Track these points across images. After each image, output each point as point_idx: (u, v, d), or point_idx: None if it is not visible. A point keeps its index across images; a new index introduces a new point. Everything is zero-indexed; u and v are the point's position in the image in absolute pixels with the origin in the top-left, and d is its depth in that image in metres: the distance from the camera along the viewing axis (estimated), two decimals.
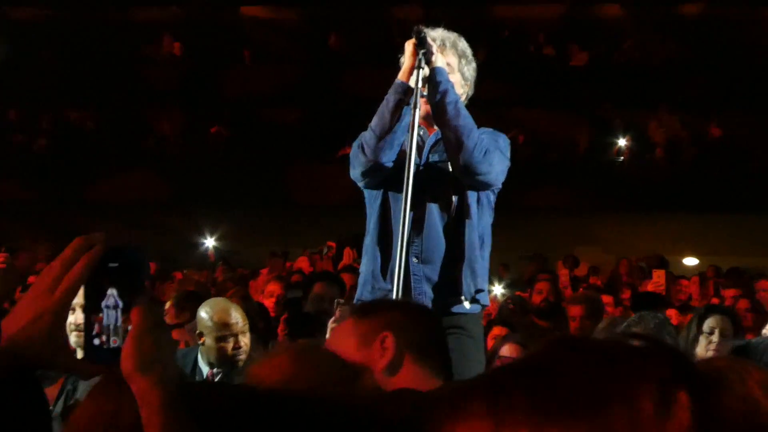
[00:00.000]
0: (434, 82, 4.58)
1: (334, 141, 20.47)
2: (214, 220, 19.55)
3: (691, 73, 21.17)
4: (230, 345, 5.86)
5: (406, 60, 4.62)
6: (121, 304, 1.81)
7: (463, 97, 4.81)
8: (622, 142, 20.54)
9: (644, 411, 1.06)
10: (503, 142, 4.79)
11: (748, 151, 19.72)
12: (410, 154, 4.43)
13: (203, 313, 5.96)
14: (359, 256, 7.75)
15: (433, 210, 4.68)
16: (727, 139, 20.23)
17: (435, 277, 4.66)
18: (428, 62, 4.56)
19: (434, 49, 4.59)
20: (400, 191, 4.51)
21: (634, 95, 20.58)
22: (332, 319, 6.18)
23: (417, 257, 4.66)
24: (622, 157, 20.64)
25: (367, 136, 4.67)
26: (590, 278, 14.55)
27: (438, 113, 4.60)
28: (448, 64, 4.74)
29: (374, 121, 4.66)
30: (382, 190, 4.76)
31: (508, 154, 4.78)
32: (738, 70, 20.87)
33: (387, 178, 4.70)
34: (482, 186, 4.68)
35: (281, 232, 19.93)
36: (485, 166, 4.57)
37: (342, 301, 6.40)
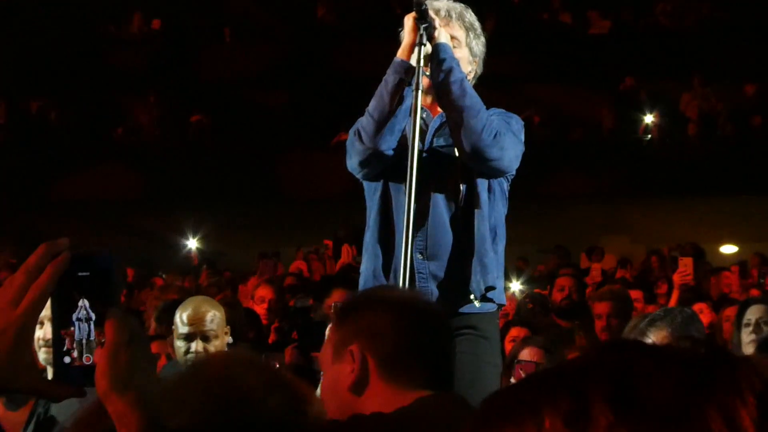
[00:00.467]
0: (437, 59, 4.58)
1: (327, 126, 20.46)
2: (196, 218, 19.53)
3: (728, 37, 21.11)
4: (193, 347, 5.60)
5: (405, 36, 4.61)
6: (93, 316, 1.81)
7: (471, 76, 4.82)
8: (649, 118, 20.52)
9: (745, 429, 1.05)
10: (516, 123, 4.79)
11: None
12: (413, 140, 4.43)
13: (177, 311, 5.80)
14: (359, 253, 7.75)
15: (439, 200, 4.68)
16: None
17: (442, 275, 4.66)
18: (430, 38, 4.56)
19: (437, 23, 4.60)
20: (402, 181, 4.52)
21: (663, 65, 20.57)
22: (330, 326, 6.18)
23: (422, 253, 4.65)
24: (650, 136, 20.62)
25: (364, 122, 4.66)
26: (618, 271, 14.55)
27: (441, 93, 4.61)
28: (455, 38, 4.75)
29: (372, 105, 4.65)
30: (382, 181, 4.76)
31: (522, 137, 4.78)
32: None
33: (387, 168, 4.71)
34: (494, 173, 4.69)
35: (271, 230, 19.93)
36: (496, 150, 4.57)
37: (340, 305, 6.39)
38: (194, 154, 21.25)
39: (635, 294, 9.34)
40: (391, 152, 4.64)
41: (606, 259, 16.49)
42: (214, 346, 5.67)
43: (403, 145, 4.61)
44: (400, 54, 4.61)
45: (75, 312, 1.81)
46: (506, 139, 4.61)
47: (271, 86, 22.24)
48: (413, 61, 4.55)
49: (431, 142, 4.76)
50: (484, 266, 4.65)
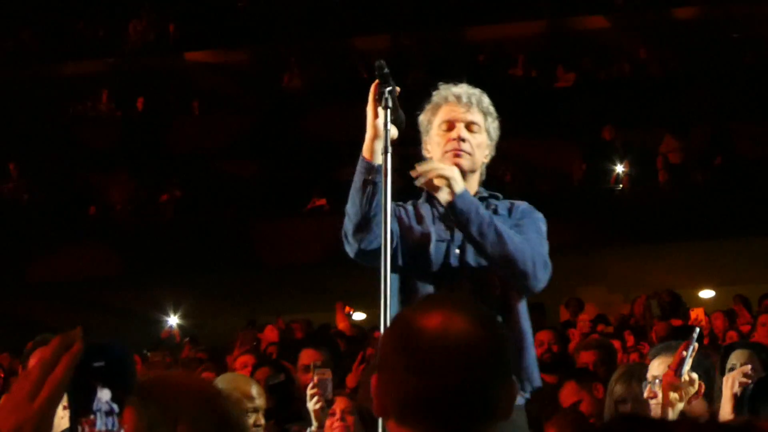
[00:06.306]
0: (460, 213, 4.52)
1: (300, 192, 20.49)
2: (175, 293, 19.45)
3: (693, 83, 21.26)
4: (252, 420, 5.81)
5: (368, 117, 4.54)
6: (117, 409, 1.81)
7: (488, 159, 4.85)
8: (619, 168, 20.58)
9: None
10: (543, 225, 4.83)
11: (763, 165, 19.72)
12: (385, 205, 4.38)
13: (220, 386, 5.93)
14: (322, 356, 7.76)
15: (476, 292, 4.60)
16: (738, 155, 20.28)
17: None
18: (395, 103, 4.52)
19: (396, 90, 4.55)
20: (426, 272, 4.55)
21: (630, 115, 20.66)
22: (310, 384, 6.17)
23: None
24: (621, 185, 20.68)
25: (345, 222, 4.59)
26: (598, 326, 14.62)
27: (479, 249, 4.55)
28: (476, 123, 4.75)
29: (348, 205, 4.58)
30: (401, 272, 4.65)
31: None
32: (746, 76, 20.99)
33: (407, 258, 4.65)
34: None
35: (250, 298, 19.87)
36: (546, 277, 4.63)
37: (319, 364, 6.37)
38: (169, 229, 21.18)
39: (615, 344, 9.39)
40: (378, 240, 4.48)
41: (586, 309, 16.49)
42: (262, 422, 6.03)
43: (423, 236, 4.63)
44: (365, 151, 4.54)
45: (94, 401, 1.81)
46: (547, 256, 4.66)
47: (242, 156, 22.26)
48: (379, 151, 4.52)
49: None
50: (527, 369, 4.64)
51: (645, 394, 5.48)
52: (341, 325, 14.12)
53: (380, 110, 4.48)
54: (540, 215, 4.86)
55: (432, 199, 4.74)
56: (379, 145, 4.49)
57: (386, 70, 4.49)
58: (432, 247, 4.59)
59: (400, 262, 4.64)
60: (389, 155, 4.43)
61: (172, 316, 19.70)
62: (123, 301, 20.65)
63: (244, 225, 21.01)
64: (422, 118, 4.80)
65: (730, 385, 5.45)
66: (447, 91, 4.77)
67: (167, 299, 19.55)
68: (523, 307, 4.67)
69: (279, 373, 9.15)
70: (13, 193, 22.72)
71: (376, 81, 4.50)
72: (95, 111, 24.53)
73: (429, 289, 4.52)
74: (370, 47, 21.98)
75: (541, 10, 23.61)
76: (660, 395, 5.34)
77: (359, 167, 4.55)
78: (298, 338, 14.64)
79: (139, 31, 25.17)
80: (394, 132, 4.53)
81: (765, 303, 14.19)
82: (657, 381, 5.46)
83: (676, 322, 13.10)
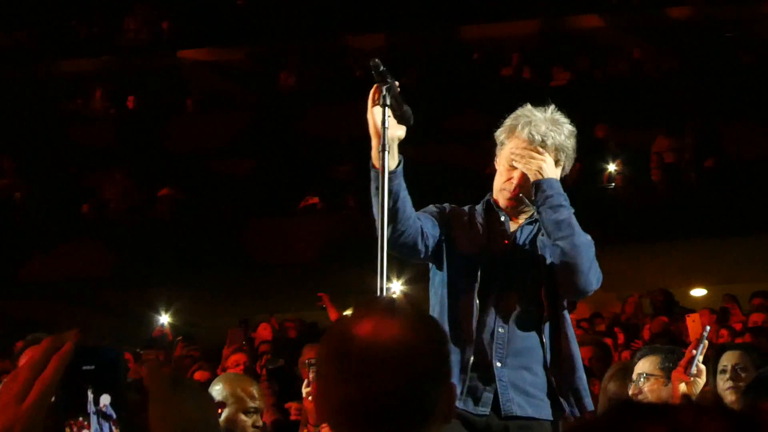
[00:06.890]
0: (543, 195, 4.62)
1: (295, 191, 20.45)
2: (168, 292, 19.41)
3: (688, 83, 21.27)
4: (251, 420, 5.81)
5: (370, 124, 4.48)
6: (114, 415, 1.81)
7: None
8: (612, 167, 20.60)
9: None
10: (592, 248, 4.86)
11: (756, 165, 19.74)
12: (381, 203, 4.37)
13: (220, 384, 5.96)
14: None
15: (521, 310, 4.62)
16: (732, 154, 20.31)
17: (525, 386, 4.57)
18: (396, 98, 4.46)
19: (396, 84, 4.50)
20: (473, 285, 4.53)
21: (623, 114, 20.67)
22: (305, 383, 6.19)
23: (500, 361, 4.57)
24: (614, 184, 20.70)
25: (376, 223, 4.56)
26: (582, 323, 14.63)
27: (550, 231, 4.63)
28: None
29: (373, 209, 4.56)
30: (446, 275, 4.68)
31: None
32: (740, 76, 21.00)
33: (453, 269, 4.66)
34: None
35: (243, 297, 19.84)
36: (596, 285, 4.75)
37: (313, 361, 6.38)
38: (162, 227, 21.15)
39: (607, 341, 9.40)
40: (407, 236, 4.54)
41: (579, 308, 16.47)
42: (261, 423, 5.95)
43: (476, 245, 4.62)
44: (373, 158, 4.50)
45: (87, 404, 1.81)
46: (598, 266, 4.71)
47: (236, 155, 22.22)
48: (382, 119, 4.48)
49: (516, 252, 4.72)
50: (578, 392, 4.61)
51: (630, 391, 5.53)
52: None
53: (378, 108, 4.43)
54: (590, 237, 4.89)
55: (491, 210, 4.76)
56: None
57: (382, 68, 4.44)
58: (482, 257, 4.59)
59: (446, 267, 4.66)
60: (387, 154, 4.40)
61: (163, 314, 19.66)
62: (116, 299, 20.60)
63: (238, 223, 20.98)
64: (498, 133, 4.88)
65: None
66: (525, 119, 4.84)
67: (160, 298, 19.51)
68: (570, 328, 4.69)
69: (278, 358, 9.22)
70: (7, 191, 22.67)
71: (375, 85, 4.45)
72: (89, 109, 24.49)
73: (473, 299, 4.51)
74: (365, 46, 21.96)
75: (535, 9, 23.62)
76: (645, 391, 5.41)
77: (372, 174, 4.52)
78: (291, 337, 14.65)
79: (134, 28, 25.16)
80: (401, 131, 4.53)
81: (755, 302, 14.20)
82: (642, 378, 5.52)
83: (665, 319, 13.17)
